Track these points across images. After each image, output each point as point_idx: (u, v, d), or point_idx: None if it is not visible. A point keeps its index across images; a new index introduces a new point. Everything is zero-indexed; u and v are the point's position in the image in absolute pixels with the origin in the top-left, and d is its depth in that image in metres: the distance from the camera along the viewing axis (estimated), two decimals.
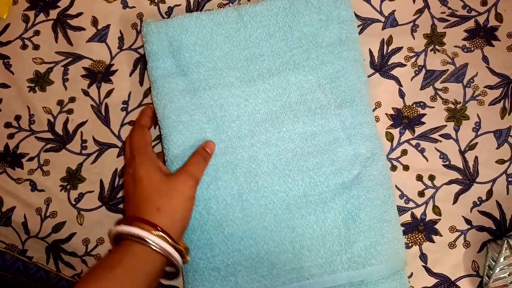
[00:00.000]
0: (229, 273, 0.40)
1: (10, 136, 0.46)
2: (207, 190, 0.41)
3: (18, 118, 0.47)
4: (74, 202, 0.45)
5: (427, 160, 0.45)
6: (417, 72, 0.47)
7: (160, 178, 0.38)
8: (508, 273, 0.41)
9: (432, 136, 0.46)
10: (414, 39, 0.48)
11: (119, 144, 0.46)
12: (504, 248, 0.41)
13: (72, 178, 0.45)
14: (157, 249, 0.35)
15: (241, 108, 0.43)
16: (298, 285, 0.40)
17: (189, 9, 0.49)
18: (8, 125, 0.46)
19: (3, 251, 0.44)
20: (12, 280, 0.46)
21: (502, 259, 0.41)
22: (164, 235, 0.35)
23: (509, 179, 0.45)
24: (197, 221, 0.41)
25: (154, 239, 0.35)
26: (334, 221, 0.41)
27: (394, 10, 0.48)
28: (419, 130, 0.46)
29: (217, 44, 0.44)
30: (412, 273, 0.43)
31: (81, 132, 0.46)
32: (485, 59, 0.47)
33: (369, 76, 0.47)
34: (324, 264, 0.40)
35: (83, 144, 0.46)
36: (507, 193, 0.45)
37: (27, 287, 0.46)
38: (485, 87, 0.47)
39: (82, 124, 0.46)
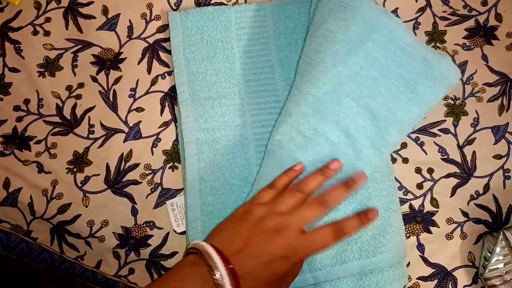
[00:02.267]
0: None
1: (19, 119, 0.47)
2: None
3: (27, 102, 0.47)
4: (80, 185, 0.45)
5: (426, 154, 0.46)
6: None
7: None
8: (503, 264, 0.42)
9: (431, 130, 0.47)
10: (416, 35, 0.49)
11: (126, 129, 0.47)
12: (500, 240, 0.42)
13: (79, 161, 0.46)
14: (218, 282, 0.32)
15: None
16: (311, 276, 0.41)
17: (197, 0, 0.50)
18: (17, 108, 0.47)
19: (8, 231, 0.45)
20: (15, 262, 0.47)
21: (497, 251, 0.42)
22: (234, 284, 0.33)
23: (506, 174, 0.46)
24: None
25: (224, 276, 0.33)
26: (345, 211, 0.42)
27: (397, 8, 0.50)
28: (419, 124, 0.47)
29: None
30: (409, 262, 0.44)
31: (89, 117, 0.47)
32: (484, 57, 0.48)
33: None
34: (336, 255, 0.41)
35: (91, 129, 0.47)
36: (504, 188, 0.46)
37: (30, 269, 0.47)
38: (484, 84, 0.48)
39: (90, 109, 0.47)
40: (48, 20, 0.49)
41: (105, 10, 0.49)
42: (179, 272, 0.34)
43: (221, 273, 0.33)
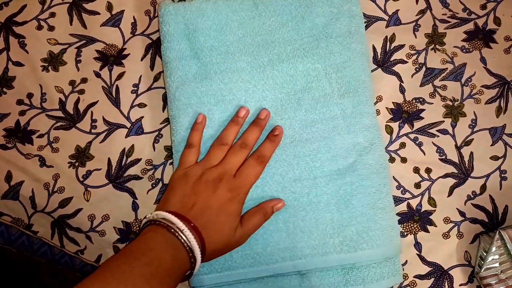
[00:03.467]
0: None
1: (22, 113, 0.47)
2: None
3: (30, 96, 0.48)
4: (81, 179, 0.46)
5: (424, 154, 0.47)
6: (417, 69, 0.49)
7: (234, 226, 0.40)
8: (498, 263, 0.43)
9: (430, 131, 0.48)
10: (416, 38, 0.50)
11: (128, 125, 0.47)
12: (495, 240, 0.43)
13: (81, 155, 0.46)
14: (185, 243, 0.36)
15: (249, 94, 0.45)
16: (291, 264, 0.41)
17: None
18: (20, 102, 0.48)
19: (9, 225, 0.45)
20: (16, 254, 0.47)
21: (493, 250, 0.43)
22: (198, 238, 0.37)
23: (502, 175, 0.47)
24: None
25: (188, 235, 0.36)
26: (327, 205, 0.42)
27: (398, 10, 0.50)
28: (417, 124, 0.48)
29: (231, 29, 0.46)
30: (406, 261, 0.45)
31: (92, 112, 0.47)
32: (483, 60, 0.49)
33: (371, 71, 0.49)
34: (317, 246, 0.41)
35: (93, 124, 0.47)
36: (500, 188, 0.46)
37: (30, 262, 0.47)
38: (482, 86, 0.49)
39: (92, 104, 0.48)
40: (52, 15, 0.50)
41: (109, 6, 0.50)
42: (145, 239, 0.36)
43: (185, 232, 0.36)
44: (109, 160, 0.46)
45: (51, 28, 0.49)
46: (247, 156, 0.43)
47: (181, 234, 0.36)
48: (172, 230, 0.36)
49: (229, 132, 0.44)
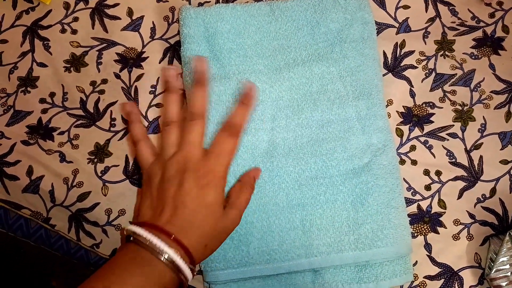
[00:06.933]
0: (242, 242, 0.42)
1: (44, 111, 0.49)
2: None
3: (52, 95, 0.50)
4: (100, 174, 0.47)
5: (434, 157, 0.48)
6: (427, 75, 0.50)
7: (220, 214, 0.36)
8: (508, 265, 0.43)
9: (440, 134, 0.49)
10: (425, 44, 0.51)
11: (146, 124, 0.49)
12: (505, 242, 0.43)
13: (100, 152, 0.48)
14: (160, 256, 0.32)
15: (265, 93, 0.46)
16: (306, 261, 0.42)
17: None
18: (42, 100, 0.50)
19: (28, 218, 0.47)
20: (32, 249, 0.48)
21: (503, 252, 0.43)
22: (178, 245, 0.33)
23: None
24: None
25: (159, 244, 0.32)
26: (343, 203, 0.43)
27: (408, 17, 0.52)
28: (427, 128, 0.49)
29: (248, 33, 0.48)
30: (416, 261, 0.45)
31: (111, 111, 0.49)
32: (491, 66, 0.50)
33: (382, 75, 0.50)
34: (332, 243, 0.42)
35: (112, 122, 0.49)
36: (510, 192, 0.47)
37: (46, 255, 0.48)
38: (491, 92, 0.50)
39: (112, 103, 0.49)
40: (76, 19, 0.52)
41: (130, 12, 0.52)
42: (113, 262, 0.32)
43: (153, 242, 0.32)
44: (126, 157, 0.48)
45: (74, 32, 0.52)
46: (205, 125, 0.38)
47: (153, 247, 0.32)
48: (142, 243, 0.33)
49: (169, 107, 0.38)
